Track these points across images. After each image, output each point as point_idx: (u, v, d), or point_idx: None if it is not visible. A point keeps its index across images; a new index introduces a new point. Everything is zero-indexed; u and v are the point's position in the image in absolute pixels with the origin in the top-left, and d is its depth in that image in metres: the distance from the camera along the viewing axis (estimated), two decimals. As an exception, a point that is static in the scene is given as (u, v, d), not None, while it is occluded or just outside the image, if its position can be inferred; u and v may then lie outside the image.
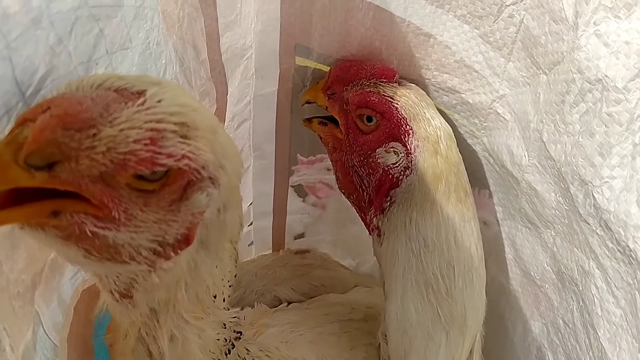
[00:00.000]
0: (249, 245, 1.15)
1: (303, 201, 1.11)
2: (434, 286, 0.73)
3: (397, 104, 0.77)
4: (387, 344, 0.79)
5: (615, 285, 0.61)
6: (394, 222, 0.77)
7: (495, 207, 0.87)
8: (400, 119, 0.76)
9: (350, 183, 0.84)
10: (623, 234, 0.57)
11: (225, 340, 0.64)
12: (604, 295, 0.63)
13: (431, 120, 0.77)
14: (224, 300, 0.62)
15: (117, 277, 0.52)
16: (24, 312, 0.55)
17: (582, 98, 0.60)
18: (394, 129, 0.77)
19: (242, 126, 0.92)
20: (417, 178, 0.75)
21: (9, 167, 0.39)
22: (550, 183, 0.71)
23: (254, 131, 0.94)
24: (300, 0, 0.78)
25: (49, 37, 0.46)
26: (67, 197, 0.42)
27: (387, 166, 0.77)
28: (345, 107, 0.83)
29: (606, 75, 0.56)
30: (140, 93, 0.44)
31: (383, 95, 0.78)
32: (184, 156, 0.45)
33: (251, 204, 1.07)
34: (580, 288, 0.68)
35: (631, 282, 0.58)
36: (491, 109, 0.79)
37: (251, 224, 1.11)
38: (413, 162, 0.75)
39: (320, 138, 0.90)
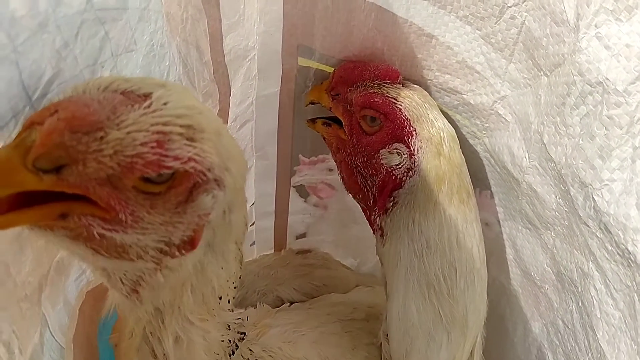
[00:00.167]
0: (250, 245, 1.15)
1: (305, 201, 1.11)
2: (436, 287, 0.74)
3: (401, 105, 0.77)
4: (388, 344, 0.79)
5: (614, 288, 0.61)
6: (397, 223, 0.77)
7: (497, 207, 0.88)
8: (404, 120, 0.77)
9: (355, 183, 0.84)
10: (622, 236, 0.57)
11: (229, 341, 0.65)
12: (602, 297, 0.63)
13: (434, 121, 0.77)
14: (228, 302, 0.62)
15: (125, 274, 0.52)
16: (32, 314, 0.56)
17: (582, 100, 0.61)
18: (398, 130, 0.77)
19: (244, 127, 0.92)
20: (420, 179, 0.75)
21: (17, 170, 0.40)
22: (551, 185, 0.71)
23: (256, 132, 0.95)
24: (302, 1, 0.79)
25: (55, 40, 0.47)
26: (75, 200, 0.43)
27: (390, 167, 0.77)
28: (349, 108, 0.83)
29: (607, 78, 0.56)
30: (147, 95, 0.45)
31: (387, 96, 0.78)
32: (190, 159, 0.45)
33: (253, 204, 1.07)
34: (580, 290, 0.69)
35: (630, 284, 0.58)
36: (492, 110, 0.80)
37: (253, 224, 1.11)
38: (416, 164, 0.75)
39: (324, 139, 0.91)
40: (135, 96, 0.45)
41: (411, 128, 0.76)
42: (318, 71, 0.89)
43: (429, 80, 0.84)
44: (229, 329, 0.64)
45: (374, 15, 0.80)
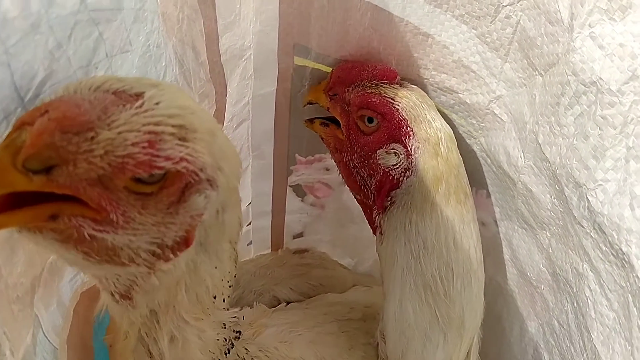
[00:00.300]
0: (247, 245, 1.15)
1: (302, 201, 1.11)
2: (433, 288, 0.74)
3: (398, 106, 0.77)
4: (385, 343, 0.79)
5: (608, 288, 0.61)
6: (394, 223, 0.77)
7: (493, 207, 0.88)
8: (401, 121, 0.77)
9: (355, 183, 0.85)
10: (616, 237, 0.57)
11: (225, 340, 0.65)
12: (597, 298, 0.63)
13: (432, 122, 0.77)
14: (223, 301, 0.62)
15: (117, 279, 0.52)
16: (24, 316, 0.56)
17: (576, 100, 0.60)
18: (395, 131, 0.77)
19: (240, 126, 0.92)
20: (417, 180, 0.75)
21: (7, 171, 0.40)
22: (546, 185, 0.71)
23: (253, 131, 0.95)
24: (298, 1, 0.79)
25: (48, 41, 0.46)
26: (65, 201, 0.43)
27: (387, 167, 0.78)
28: (346, 108, 0.83)
29: (600, 78, 0.56)
30: (139, 95, 0.44)
31: (384, 96, 0.78)
32: (182, 159, 0.45)
33: (250, 203, 1.07)
34: (575, 290, 0.69)
35: (624, 285, 0.58)
36: (488, 109, 0.80)
37: (250, 223, 1.11)
38: (413, 164, 0.75)
39: (322, 139, 0.91)
40: (127, 96, 0.44)
41: (408, 128, 0.76)
42: (314, 70, 0.89)
43: (426, 79, 0.84)
44: (225, 328, 0.64)
45: (370, 14, 0.80)
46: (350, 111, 0.82)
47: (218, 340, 0.63)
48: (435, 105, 0.82)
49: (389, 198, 0.78)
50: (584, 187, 0.61)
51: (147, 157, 0.43)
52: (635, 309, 0.56)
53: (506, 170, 0.79)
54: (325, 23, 0.81)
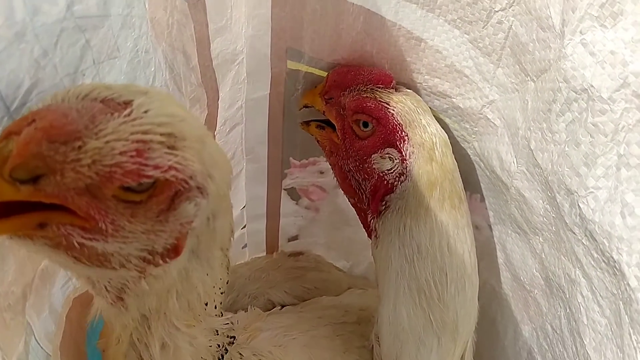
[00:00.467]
0: (242, 248, 1.15)
1: (296, 204, 1.11)
2: (427, 292, 0.74)
3: (393, 110, 0.77)
4: (380, 346, 0.79)
5: (600, 295, 0.61)
6: (389, 227, 0.77)
7: (487, 211, 0.88)
8: (396, 125, 0.77)
9: (349, 186, 0.85)
10: (607, 244, 0.57)
11: (218, 346, 0.65)
12: (589, 304, 0.63)
13: (427, 126, 0.77)
14: (215, 308, 0.62)
15: (109, 282, 0.52)
16: (15, 324, 0.55)
17: (568, 107, 0.60)
18: (390, 135, 0.77)
19: (234, 130, 0.92)
20: (412, 184, 0.75)
21: None
22: (538, 190, 0.71)
23: (246, 135, 0.94)
24: (290, 4, 0.78)
25: (33, 50, 0.46)
26: (54, 209, 0.43)
27: (382, 172, 0.78)
28: (342, 112, 0.83)
29: (592, 85, 0.56)
30: (127, 103, 0.44)
31: (379, 101, 0.78)
32: (170, 167, 0.45)
33: (244, 207, 1.07)
34: (567, 296, 0.68)
35: (615, 292, 0.58)
36: (481, 114, 0.79)
37: (244, 226, 1.11)
38: (408, 169, 0.75)
39: (318, 141, 0.91)
40: (115, 104, 0.44)
41: (403, 133, 0.76)
42: (307, 74, 0.89)
43: (419, 83, 0.84)
44: (217, 334, 0.64)
45: (363, 18, 0.80)
46: (346, 115, 0.82)
47: (210, 346, 0.63)
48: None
49: (384, 202, 0.78)
50: (576, 194, 0.61)
51: (135, 166, 0.42)
52: (626, 316, 0.56)
53: (499, 175, 0.79)
54: (317, 27, 0.81)
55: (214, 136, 0.88)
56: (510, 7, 0.68)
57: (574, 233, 0.63)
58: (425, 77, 0.83)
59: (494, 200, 0.85)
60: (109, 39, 0.56)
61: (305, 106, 0.91)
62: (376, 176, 0.78)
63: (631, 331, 0.55)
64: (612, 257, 0.56)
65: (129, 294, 0.53)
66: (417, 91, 0.84)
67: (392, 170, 0.77)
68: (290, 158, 1.02)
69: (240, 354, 0.71)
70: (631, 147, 0.54)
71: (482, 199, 0.88)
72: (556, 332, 0.74)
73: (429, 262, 0.74)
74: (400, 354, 0.76)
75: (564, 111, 0.61)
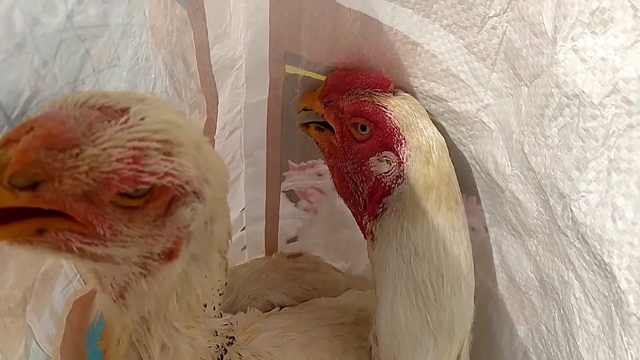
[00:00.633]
0: (242, 250, 1.15)
1: (295, 206, 1.12)
2: (423, 293, 0.74)
3: (391, 114, 0.78)
4: (378, 346, 0.80)
5: (592, 297, 0.62)
6: (386, 229, 0.78)
7: (483, 213, 0.88)
8: (393, 129, 0.77)
9: (347, 189, 0.85)
10: (599, 247, 0.57)
11: (217, 346, 0.65)
12: (582, 306, 0.64)
13: (424, 130, 0.78)
14: (214, 309, 0.63)
15: (114, 278, 0.53)
16: (16, 327, 0.56)
17: (560, 112, 0.61)
18: (387, 139, 0.78)
19: (233, 134, 0.93)
20: (409, 187, 0.76)
21: None
22: (532, 193, 0.72)
23: (245, 139, 0.95)
24: (288, 10, 0.79)
25: (33, 60, 0.47)
26: (52, 216, 0.43)
27: (379, 175, 0.78)
28: (340, 115, 0.84)
29: (583, 91, 0.57)
30: (124, 111, 0.45)
31: (377, 104, 0.79)
32: (167, 173, 0.45)
33: (243, 209, 1.07)
34: (561, 297, 0.69)
35: (607, 294, 0.58)
36: (477, 117, 0.80)
37: (244, 228, 1.12)
38: (405, 172, 0.76)
39: (317, 143, 0.92)
40: (112, 112, 0.45)
41: (400, 136, 0.77)
42: (306, 78, 0.90)
43: (415, 87, 0.85)
44: (216, 335, 0.65)
45: (360, 22, 0.80)
46: (344, 118, 0.83)
47: (210, 347, 0.64)
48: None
49: (381, 205, 0.79)
50: (568, 197, 0.62)
51: (132, 173, 0.43)
52: (617, 318, 0.57)
53: (494, 177, 0.79)
54: (315, 32, 0.82)
55: (214, 140, 0.89)
56: (504, 13, 0.68)
57: (567, 236, 0.64)
58: (422, 81, 0.84)
59: (490, 203, 0.85)
60: (109, 48, 0.56)
61: (305, 109, 0.92)
62: (373, 179, 0.79)
63: (622, 332, 0.56)
64: (603, 260, 0.57)
65: (130, 293, 0.54)
66: (413, 95, 0.85)
67: (389, 173, 0.78)
68: (289, 161, 1.03)
69: (239, 354, 0.72)
70: (621, 151, 0.55)
71: (478, 201, 0.88)
72: (550, 333, 0.75)
73: (426, 264, 0.75)
74: (398, 354, 0.77)
75: (556, 116, 0.62)
